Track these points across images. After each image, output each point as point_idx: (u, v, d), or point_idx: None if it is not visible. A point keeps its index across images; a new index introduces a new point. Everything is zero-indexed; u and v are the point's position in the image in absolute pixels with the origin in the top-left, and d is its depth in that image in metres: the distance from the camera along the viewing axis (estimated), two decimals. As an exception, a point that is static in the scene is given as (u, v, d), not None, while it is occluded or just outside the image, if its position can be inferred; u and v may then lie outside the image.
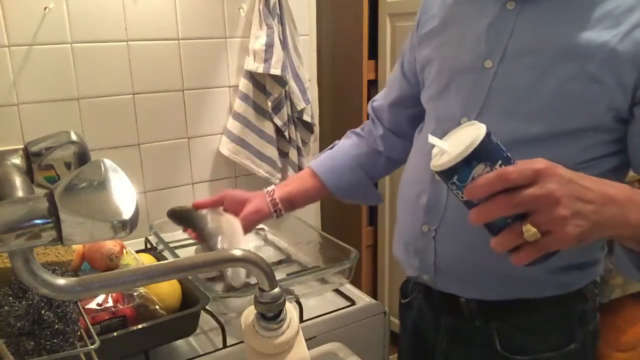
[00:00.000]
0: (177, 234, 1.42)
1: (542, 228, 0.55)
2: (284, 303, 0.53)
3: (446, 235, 0.90)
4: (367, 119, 1.21)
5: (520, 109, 0.80)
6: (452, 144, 0.58)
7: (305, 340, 0.59)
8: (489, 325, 0.90)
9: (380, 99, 1.17)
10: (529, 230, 0.55)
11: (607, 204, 0.57)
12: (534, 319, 0.89)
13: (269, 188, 1.11)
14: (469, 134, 0.57)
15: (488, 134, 0.56)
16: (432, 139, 0.60)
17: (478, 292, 0.90)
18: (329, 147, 1.20)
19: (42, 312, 0.75)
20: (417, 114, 1.06)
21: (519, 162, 0.57)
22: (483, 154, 0.55)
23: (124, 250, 1.19)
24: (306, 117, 1.92)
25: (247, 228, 1.11)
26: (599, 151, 0.80)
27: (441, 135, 0.85)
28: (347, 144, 1.19)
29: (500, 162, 0.56)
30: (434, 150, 0.61)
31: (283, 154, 1.92)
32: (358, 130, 1.21)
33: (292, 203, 1.14)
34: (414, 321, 1.05)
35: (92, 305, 0.96)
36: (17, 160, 0.57)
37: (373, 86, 2.15)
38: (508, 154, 0.57)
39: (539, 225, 0.55)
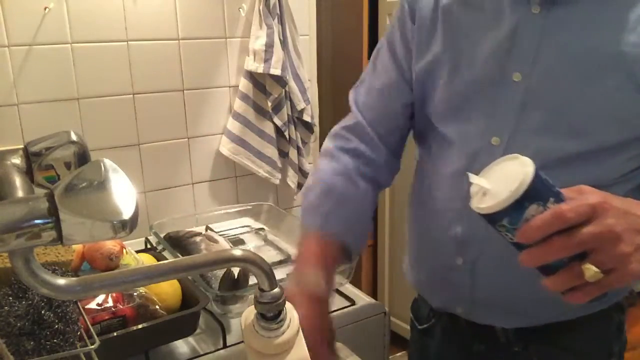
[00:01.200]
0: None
1: (604, 267, 0.52)
2: (284, 303, 0.53)
3: (486, 268, 0.82)
4: (348, 119, 0.96)
5: (559, 124, 0.73)
6: (497, 183, 0.53)
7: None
8: (528, 349, 0.85)
9: (373, 110, 0.92)
10: (590, 270, 0.52)
11: None
12: (576, 337, 0.84)
13: (330, 291, 0.82)
14: (515, 171, 0.52)
15: (537, 171, 0.52)
16: (473, 179, 0.55)
17: (520, 321, 0.84)
18: (325, 189, 0.88)
19: (42, 312, 0.75)
20: (408, 128, 0.94)
21: (568, 196, 0.53)
22: (535, 193, 0.52)
23: (124, 250, 1.19)
24: (306, 117, 1.92)
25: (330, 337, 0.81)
26: (638, 162, 0.75)
27: (470, 160, 0.79)
28: (350, 190, 0.89)
29: (552, 199, 0.52)
30: (473, 189, 0.56)
31: (283, 154, 1.92)
32: (351, 148, 0.91)
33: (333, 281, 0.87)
34: (437, 350, 0.96)
35: (92, 305, 0.96)
36: (17, 160, 0.57)
37: (373, 86, 2.15)
38: (556, 187, 0.53)
39: (600, 264, 0.52)
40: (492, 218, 0.54)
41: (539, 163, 0.71)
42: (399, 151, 0.96)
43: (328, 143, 0.95)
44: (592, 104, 0.71)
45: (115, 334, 0.93)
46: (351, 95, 0.97)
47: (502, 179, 0.53)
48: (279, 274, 1.26)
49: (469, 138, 0.80)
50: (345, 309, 1.22)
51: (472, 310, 0.87)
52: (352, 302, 1.24)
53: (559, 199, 0.53)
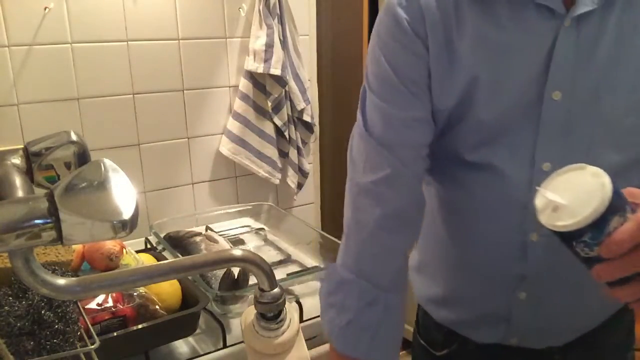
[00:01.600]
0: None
1: None
2: (284, 303, 0.53)
3: (556, 297, 0.78)
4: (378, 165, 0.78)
5: (604, 139, 0.70)
6: (571, 197, 0.51)
7: (305, 340, 0.59)
8: (567, 356, 0.84)
9: (404, 148, 0.76)
10: None
11: None
12: (608, 333, 0.85)
13: None
14: (590, 183, 0.50)
15: (612, 181, 0.50)
16: (547, 194, 0.52)
17: (570, 336, 0.82)
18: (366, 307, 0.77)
19: (42, 312, 0.75)
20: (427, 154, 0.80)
21: (635, 202, 0.51)
22: (615, 204, 0.49)
23: (124, 250, 1.19)
24: (306, 117, 1.92)
25: None
26: None
27: (525, 189, 0.71)
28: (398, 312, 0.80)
29: (627, 207, 0.50)
30: (541, 203, 0.53)
31: (283, 154, 1.92)
32: (389, 225, 0.77)
33: None
34: None
35: (92, 305, 0.96)
36: (17, 160, 0.57)
37: (373, 86, 2.15)
38: (628, 201, 0.51)
39: None
40: (572, 235, 0.51)
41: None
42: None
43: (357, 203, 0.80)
44: (633, 113, 0.69)
45: (115, 334, 0.93)
46: (377, 136, 0.77)
47: (576, 192, 0.51)
48: (279, 274, 1.27)
49: (517, 165, 0.73)
50: (345, 309, 1.22)
51: (528, 339, 0.82)
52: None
53: (632, 208, 0.50)
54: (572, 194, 0.51)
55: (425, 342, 0.93)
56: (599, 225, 0.49)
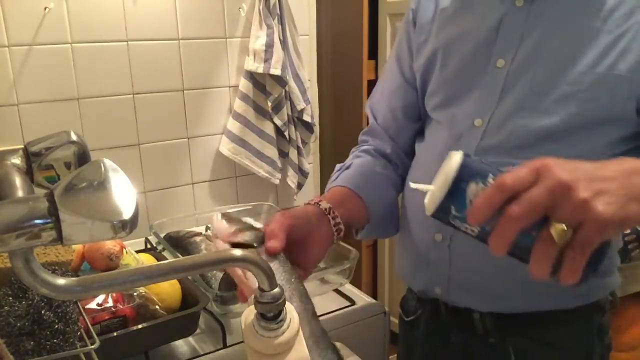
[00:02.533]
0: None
1: (571, 222, 0.48)
2: (284, 303, 0.53)
3: (462, 243, 0.84)
4: (366, 127, 1.07)
5: (533, 105, 0.77)
6: (435, 182, 0.54)
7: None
8: (505, 342, 0.86)
9: (382, 112, 1.02)
10: (556, 228, 0.48)
11: (632, 175, 0.50)
12: (554, 332, 0.85)
13: (326, 206, 0.83)
14: (445, 164, 0.53)
15: (467, 154, 0.53)
16: (415, 185, 0.56)
17: (494, 304, 0.85)
18: (343, 167, 0.99)
19: (42, 312, 0.75)
20: (415, 128, 1.00)
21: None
22: (468, 172, 0.51)
23: (124, 250, 1.19)
24: (306, 117, 1.92)
25: (314, 265, 0.80)
26: (625, 145, 0.77)
27: (454, 141, 0.84)
28: (369, 161, 0.99)
29: (491, 175, 0.51)
30: (425, 198, 0.56)
31: (283, 154, 1.92)
32: (366, 148, 1.02)
33: (348, 229, 0.89)
34: (421, 341, 0.98)
35: (92, 305, 0.96)
36: (17, 160, 0.57)
37: (373, 86, 2.15)
38: (501, 169, 0.53)
39: (565, 221, 0.48)
40: (442, 213, 0.53)
41: (516, 141, 0.77)
42: (409, 150, 1.01)
43: (352, 150, 1.06)
44: (563, 86, 0.75)
45: (115, 334, 0.93)
46: (367, 106, 1.08)
47: (438, 176, 0.54)
48: (279, 274, 1.26)
49: (456, 121, 0.85)
50: (345, 309, 1.22)
51: (450, 291, 0.88)
52: (352, 302, 1.25)
53: (500, 174, 0.51)
54: (437, 178, 0.54)
55: (402, 311, 1.05)
56: (456, 195, 0.51)
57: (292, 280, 0.69)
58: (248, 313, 0.56)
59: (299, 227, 0.76)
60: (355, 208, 0.89)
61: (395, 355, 1.14)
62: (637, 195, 0.49)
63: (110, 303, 0.98)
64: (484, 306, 0.86)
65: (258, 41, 1.74)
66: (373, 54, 2.14)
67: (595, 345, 0.87)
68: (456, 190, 0.51)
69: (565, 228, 0.48)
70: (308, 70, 1.95)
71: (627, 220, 0.48)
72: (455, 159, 0.52)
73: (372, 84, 2.14)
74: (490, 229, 0.51)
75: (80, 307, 0.83)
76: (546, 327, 0.85)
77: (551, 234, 0.48)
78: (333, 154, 2.16)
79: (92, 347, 0.75)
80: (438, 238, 0.87)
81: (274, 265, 0.72)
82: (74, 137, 0.60)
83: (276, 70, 1.74)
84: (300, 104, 1.88)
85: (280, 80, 1.78)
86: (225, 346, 1.07)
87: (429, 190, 0.54)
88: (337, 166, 1.01)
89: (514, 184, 0.49)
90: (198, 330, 1.08)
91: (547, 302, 0.83)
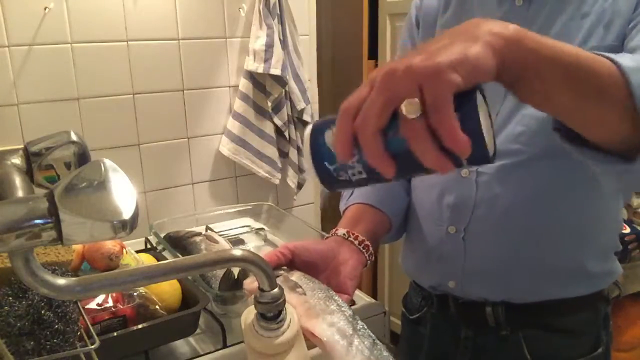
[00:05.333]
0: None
1: (410, 94, 0.44)
2: (284, 303, 0.53)
3: (476, 234, 0.85)
4: None
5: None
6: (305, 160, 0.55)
7: (306, 341, 0.59)
8: (516, 333, 0.87)
9: None
10: (404, 106, 0.44)
11: (457, 29, 0.48)
12: (564, 322, 0.86)
13: (343, 232, 0.81)
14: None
15: (315, 122, 0.53)
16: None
17: (508, 294, 0.86)
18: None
19: (42, 312, 0.75)
20: None
21: None
22: (319, 126, 0.52)
23: (124, 250, 1.19)
24: (306, 117, 1.92)
25: (353, 287, 0.77)
26: None
27: None
28: None
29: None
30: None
31: (283, 154, 1.92)
32: None
33: (375, 242, 0.88)
34: (428, 339, 0.98)
35: (92, 305, 0.96)
36: (17, 160, 0.57)
37: (373, 86, 2.15)
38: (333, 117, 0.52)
39: (407, 96, 0.44)
40: (326, 176, 0.52)
41: (521, 129, 0.78)
42: None
43: None
44: None
45: (115, 334, 0.93)
46: None
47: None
48: (279, 274, 1.26)
49: None
50: (345, 309, 1.22)
51: (464, 283, 0.88)
52: (352, 302, 1.24)
53: None
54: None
55: (405, 309, 1.05)
56: (321, 153, 0.51)
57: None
58: (248, 313, 0.56)
59: (315, 251, 0.73)
60: (376, 220, 0.88)
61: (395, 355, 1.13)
62: (468, 36, 0.46)
63: (110, 303, 0.98)
64: (497, 296, 0.87)
65: (258, 41, 1.74)
66: (373, 54, 2.14)
67: (602, 335, 0.89)
68: (318, 147, 0.51)
69: (412, 101, 0.44)
70: (308, 70, 1.95)
71: (459, 61, 0.43)
72: (307, 128, 0.53)
73: (372, 84, 2.14)
74: (366, 163, 0.48)
75: (80, 307, 0.83)
76: (557, 316, 0.86)
77: (403, 113, 0.44)
78: (333, 154, 2.16)
79: (92, 347, 0.75)
80: (452, 230, 0.87)
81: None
82: (74, 137, 0.60)
83: (276, 70, 1.74)
84: (300, 104, 1.88)
85: (280, 80, 1.78)
86: (225, 346, 1.07)
87: (309, 170, 0.54)
88: None
89: (353, 100, 0.47)
90: (198, 330, 1.08)
91: (557, 290, 0.85)
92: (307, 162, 0.52)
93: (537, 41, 0.48)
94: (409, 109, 0.44)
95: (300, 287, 0.64)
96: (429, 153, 0.44)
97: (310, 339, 0.60)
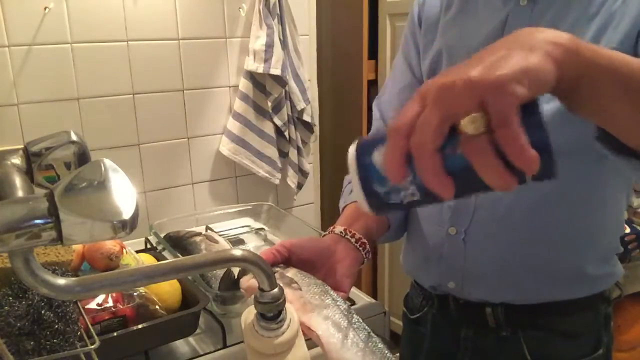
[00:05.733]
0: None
1: (471, 109, 0.41)
2: (284, 303, 0.53)
3: (477, 236, 0.85)
4: (368, 127, 1.07)
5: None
6: (352, 182, 0.50)
7: (306, 340, 0.59)
8: (517, 334, 0.87)
9: (392, 111, 1.00)
10: (465, 122, 0.41)
11: (509, 39, 0.45)
12: (565, 323, 0.86)
13: (340, 230, 0.81)
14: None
15: (359, 141, 0.50)
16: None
17: (508, 296, 0.86)
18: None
19: (42, 312, 0.75)
20: None
21: None
22: (366, 145, 0.48)
23: (124, 250, 1.19)
24: (306, 117, 1.92)
25: (349, 285, 0.78)
26: None
27: None
28: None
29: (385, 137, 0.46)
30: (358, 202, 0.52)
31: (283, 154, 1.92)
32: None
33: (373, 241, 0.88)
34: (428, 338, 0.98)
35: (92, 305, 0.96)
36: (17, 160, 0.57)
37: (373, 86, 2.16)
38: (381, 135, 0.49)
39: (467, 114, 0.41)
40: (374, 199, 0.49)
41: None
42: None
43: None
44: None
45: (115, 334, 0.93)
46: (374, 105, 1.03)
47: (351, 177, 0.51)
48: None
49: None
50: (345, 309, 1.22)
51: (464, 284, 0.88)
52: (352, 302, 1.24)
53: None
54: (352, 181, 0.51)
55: (406, 309, 1.05)
56: (369, 173, 0.48)
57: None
58: (248, 313, 0.56)
59: (311, 249, 0.74)
60: (373, 219, 0.87)
61: (396, 354, 1.14)
62: (524, 46, 0.43)
63: (110, 303, 0.98)
64: (497, 298, 0.87)
65: (258, 41, 1.74)
66: (373, 54, 2.14)
67: (603, 335, 0.89)
68: (365, 169, 0.48)
69: (475, 116, 0.41)
70: (308, 70, 1.95)
71: (523, 73, 0.41)
72: (351, 148, 0.49)
73: (372, 84, 2.14)
74: (420, 178, 0.45)
75: (80, 307, 0.83)
76: (557, 317, 0.86)
77: (465, 130, 0.41)
78: (333, 154, 2.16)
79: (92, 347, 0.75)
80: (452, 232, 0.87)
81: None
82: (74, 137, 0.60)
83: (276, 70, 1.74)
84: (300, 104, 1.88)
85: (280, 80, 1.78)
86: (225, 346, 1.07)
87: (355, 193, 0.50)
88: (347, 178, 0.97)
89: (404, 118, 0.44)
90: (198, 330, 1.08)
91: (558, 292, 0.84)
92: (355, 186, 0.49)
93: (593, 50, 0.47)
94: (472, 125, 0.41)
95: (296, 282, 0.65)
96: (494, 171, 0.41)
97: (307, 333, 0.60)
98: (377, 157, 0.47)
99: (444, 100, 0.42)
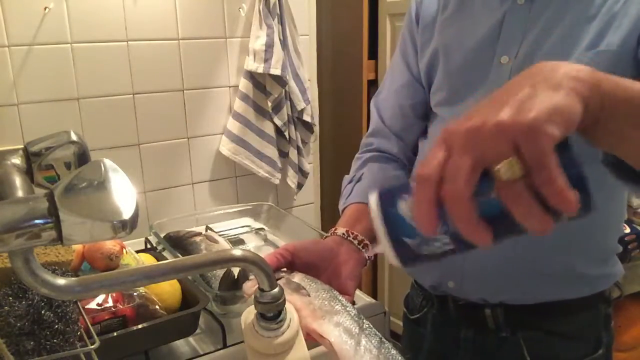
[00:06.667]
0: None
1: (505, 153, 0.40)
2: (284, 303, 0.53)
3: None
4: (368, 127, 1.05)
5: None
6: (378, 235, 0.48)
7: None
8: (516, 335, 0.87)
9: (389, 109, 1.00)
10: (500, 168, 0.40)
11: (532, 75, 0.45)
12: (564, 323, 0.86)
13: (342, 231, 0.81)
14: (370, 208, 0.48)
15: (381, 191, 0.48)
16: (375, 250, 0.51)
17: (507, 296, 0.86)
18: (354, 179, 0.96)
19: (42, 312, 0.75)
20: (421, 126, 0.99)
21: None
22: (389, 196, 0.47)
23: (124, 250, 1.19)
24: (306, 117, 1.92)
25: (353, 287, 0.78)
26: None
27: None
28: (381, 168, 0.97)
29: (410, 189, 0.45)
30: (387, 257, 0.50)
31: (283, 154, 1.92)
32: (372, 155, 1.00)
33: (373, 241, 0.87)
34: (428, 339, 0.99)
35: (92, 305, 0.96)
36: (17, 160, 0.57)
37: (373, 86, 2.15)
38: (404, 184, 0.48)
39: (500, 159, 0.40)
40: (405, 253, 0.47)
41: None
42: (416, 149, 1.01)
43: (356, 154, 1.03)
44: None
45: (115, 334, 0.93)
46: (372, 103, 1.04)
47: (376, 229, 0.48)
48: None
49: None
50: (345, 309, 1.22)
51: (463, 284, 0.88)
52: (352, 302, 1.24)
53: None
54: (377, 233, 0.48)
55: (407, 309, 1.05)
56: (397, 226, 0.46)
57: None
58: (248, 313, 0.56)
59: (314, 252, 0.73)
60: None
61: (396, 355, 1.13)
62: (549, 83, 0.43)
63: (110, 303, 0.98)
64: (496, 298, 0.87)
65: (258, 41, 1.74)
66: (373, 54, 2.14)
67: (603, 336, 0.89)
68: (392, 220, 0.46)
69: (507, 160, 0.40)
70: (308, 70, 1.95)
71: (555, 112, 0.41)
72: (372, 198, 0.47)
73: (372, 83, 2.14)
74: (454, 227, 0.43)
75: (80, 307, 0.83)
76: (556, 318, 0.86)
77: (501, 176, 0.40)
78: (333, 154, 2.16)
79: (92, 347, 0.75)
80: None
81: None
82: (74, 137, 0.60)
83: (276, 70, 1.74)
84: (300, 104, 1.88)
85: (280, 80, 1.78)
86: (225, 346, 1.07)
87: (382, 246, 0.48)
88: (346, 178, 0.97)
89: (430, 166, 0.43)
90: (198, 330, 1.07)
91: (558, 292, 0.84)
92: (382, 239, 0.46)
93: (613, 82, 0.46)
94: (510, 170, 0.40)
95: (304, 288, 0.64)
96: (533, 215, 0.41)
97: (318, 340, 0.59)
98: (404, 207, 0.45)
99: (474, 145, 0.41)
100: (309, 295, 0.63)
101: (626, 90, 0.47)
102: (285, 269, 0.69)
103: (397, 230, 0.46)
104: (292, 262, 0.70)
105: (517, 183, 0.40)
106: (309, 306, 0.61)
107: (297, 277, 0.66)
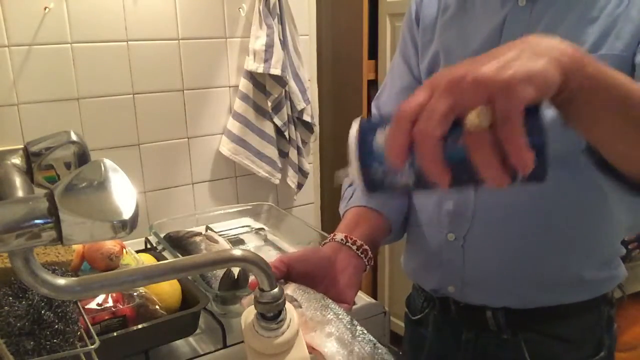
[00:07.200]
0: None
1: (478, 104, 0.43)
2: (284, 303, 0.53)
3: (476, 242, 0.85)
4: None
5: None
6: (350, 159, 0.51)
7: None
8: (517, 337, 0.87)
9: (392, 110, 1.02)
10: (471, 116, 0.42)
11: (525, 41, 0.47)
12: (565, 326, 0.86)
13: (340, 237, 0.80)
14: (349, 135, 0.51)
15: (363, 120, 0.51)
16: (338, 174, 0.54)
17: (508, 301, 0.85)
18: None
19: (42, 312, 0.75)
20: None
21: None
22: (369, 126, 0.49)
23: (124, 250, 1.19)
24: (306, 117, 1.92)
25: (352, 295, 0.77)
26: None
27: None
28: None
29: (390, 120, 0.47)
30: (355, 182, 0.53)
31: (283, 154, 1.92)
32: None
33: (375, 247, 0.87)
34: (430, 340, 0.98)
35: (92, 305, 0.96)
36: (17, 160, 0.57)
37: (373, 86, 2.15)
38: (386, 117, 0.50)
39: (475, 106, 0.43)
40: (372, 178, 0.49)
41: None
42: None
43: None
44: None
45: (115, 334, 0.93)
46: (373, 105, 1.03)
47: (350, 155, 0.51)
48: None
49: None
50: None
51: (464, 289, 0.88)
52: (353, 303, 1.24)
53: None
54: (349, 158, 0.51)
55: (408, 310, 1.05)
56: (370, 153, 0.48)
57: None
58: (248, 313, 0.56)
59: (310, 262, 0.73)
60: (375, 224, 0.87)
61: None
62: (534, 50, 0.45)
63: (110, 303, 0.98)
64: (497, 303, 0.87)
65: (258, 41, 1.74)
66: (373, 54, 2.14)
67: (605, 338, 0.88)
68: (366, 147, 0.48)
69: (480, 108, 0.43)
70: (308, 70, 1.95)
71: (532, 75, 0.43)
72: (354, 125, 0.50)
73: (372, 84, 2.14)
74: (419, 164, 0.46)
75: (80, 307, 0.83)
76: (558, 321, 0.86)
77: (470, 122, 0.43)
78: (333, 154, 2.16)
79: (92, 347, 0.75)
80: (451, 238, 0.87)
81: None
82: (74, 137, 0.60)
83: (276, 70, 1.75)
84: (300, 104, 1.88)
85: (280, 80, 1.78)
86: (225, 346, 1.07)
87: (350, 172, 0.50)
88: (346, 181, 0.95)
89: (411, 104, 0.45)
90: (198, 330, 1.08)
91: (560, 297, 0.84)
92: (353, 161, 0.49)
93: (597, 68, 0.48)
94: (478, 118, 0.43)
95: (296, 300, 0.64)
96: (491, 166, 0.43)
97: (312, 352, 0.59)
98: (380, 137, 0.48)
99: (453, 91, 0.43)
100: (300, 307, 0.63)
101: (608, 78, 0.49)
102: (280, 280, 0.69)
103: (369, 156, 0.49)
104: (288, 274, 0.70)
105: (484, 133, 0.42)
106: (301, 318, 0.61)
107: (290, 289, 0.66)
